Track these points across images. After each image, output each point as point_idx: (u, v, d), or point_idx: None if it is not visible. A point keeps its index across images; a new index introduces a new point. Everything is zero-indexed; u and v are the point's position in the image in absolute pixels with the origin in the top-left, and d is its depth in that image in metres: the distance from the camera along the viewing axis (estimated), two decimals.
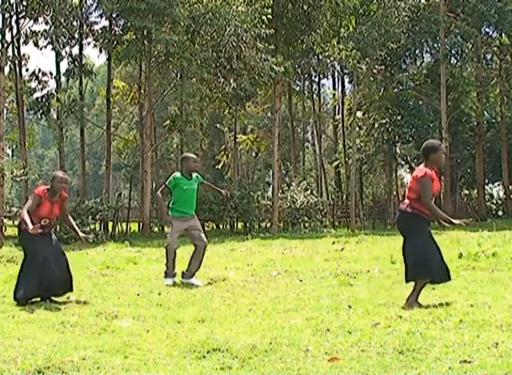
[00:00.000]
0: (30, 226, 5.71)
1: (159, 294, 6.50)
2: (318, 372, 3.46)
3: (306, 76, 33.33)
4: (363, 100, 28.47)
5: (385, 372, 3.41)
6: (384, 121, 28.27)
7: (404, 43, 25.34)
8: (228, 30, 18.51)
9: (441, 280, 5.56)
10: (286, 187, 24.24)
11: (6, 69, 20.07)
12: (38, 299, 6.02)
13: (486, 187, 32.26)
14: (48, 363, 3.59)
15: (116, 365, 3.61)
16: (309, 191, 24.45)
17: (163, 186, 7.71)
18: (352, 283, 7.02)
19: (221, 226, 23.55)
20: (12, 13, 19.03)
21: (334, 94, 36.85)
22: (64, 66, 23.18)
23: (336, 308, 5.34)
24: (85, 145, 24.75)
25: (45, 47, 20.71)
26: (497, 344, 3.84)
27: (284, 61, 19.86)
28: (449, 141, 25.14)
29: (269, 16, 19.17)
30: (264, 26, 19.01)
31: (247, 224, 21.77)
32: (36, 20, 19.40)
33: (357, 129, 27.45)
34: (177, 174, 7.51)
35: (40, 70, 21.45)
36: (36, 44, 20.18)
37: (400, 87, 28.36)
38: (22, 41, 20.39)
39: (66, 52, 22.07)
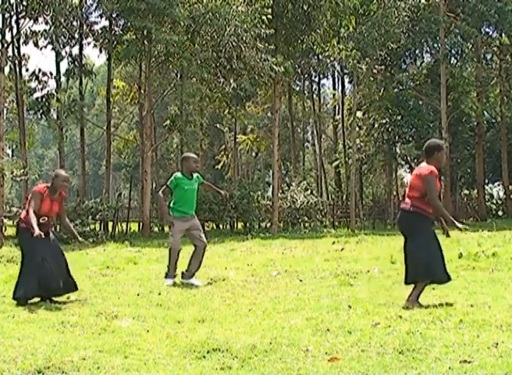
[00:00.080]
0: (36, 230, 5.67)
1: (159, 294, 6.50)
2: (318, 372, 3.46)
3: (306, 76, 33.32)
4: (363, 100, 28.47)
5: (385, 372, 3.41)
6: (384, 121, 28.27)
7: (404, 43, 25.33)
8: (228, 30, 18.51)
9: (441, 280, 5.55)
10: (286, 187, 24.24)
11: (6, 69, 20.08)
12: (38, 299, 6.02)
13: (486, 187, 32.26)
14: (48, 363, 3.59)
15: (116, 365, 3.61)
16: (309, 191, 24.46)
17: (164, 186, 7.71)
18: (352, 283, 7.02)
19: (221, 226, 23.56)
20: (12, 13, 19.05)
21: (334, 94, 36.85)
22: (64, 66, 23.23)
23: (336, 308, 5.34)
24: (85, 145, 24.75)
25: (45, 47, 20.74)
26: (497, 344, 3.84)
27: (284, 61, 19.87)
28: (449, 141, 25.12)
29: (269, 16, 19.17)
30: (264, 26, 19.02)
31: (247, 224, 21.77)
32: (36, 20, 19.41)
33: (357, 129, 27.45)
34: (178, 174, 7.52)
35: (40, 70, 21.46)
36: (36, 44, 20.18)
37: (400, 87, 28.36)
38: (22, 41, 20.39)
39: (66, 52, 22.11)
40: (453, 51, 27.45)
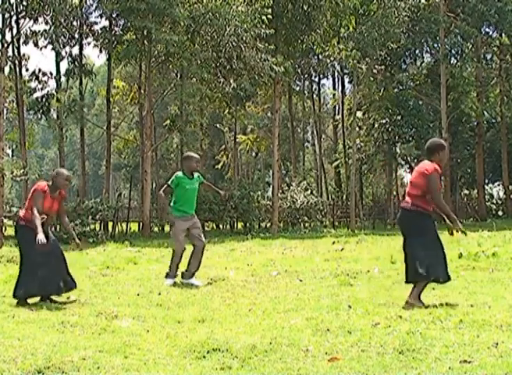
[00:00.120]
0: (41, 235, 5.65)
1: (159, 294, 6.50)
2: (318, 372, 3.46)
3: (306, 76, 33.32)
4: (363, 100, 28.46)
5: (385, 372, 3.41)
6: (384, 121, 28.27)
7: (404, 43, 25.33)
8: (228, 30, 18.51)
9: (442, 280, 5.54)
10: (286, 187, 24.24)
11: (6, 69, 20.08)
12: (38, 299, 6.02)
13: (486, 187, 32.26)
14: (48, 363, 3.59)
15: (116, 365, 3.61)
16: (309, 191, 24.46)
17: (165, 185, 7.72)
18: (352, 283, 7.02)
19: (221, 226, 23.56)
20: (12, 13, 19.05)
21: (334, 94, 36.85)
22: (64, 66, 23.24)
23: (336, 308, 5.34)
24: (85, 145, 24.76)
25: (45, 47, 20.74)
26: (497, 344, 3.84)
27: (284, 61, 19.87)
28: (449, 141, 25.11)
29: (269, 16, 19.18)
30: (264, 26, 19.02)
31: (247, 224, 21.78)
32: (36, 20, 19.41)
33: (357, 129, 27.45)
34: (179, 173, 7.53)
35: (40, 70, 21.47)
36: (36, 44, 20.18)
37: (400, 87, 28.36)
38: (22, 41, 20.39)
39: (66, 52, 22.12)
40: (453, 51, 27.46)
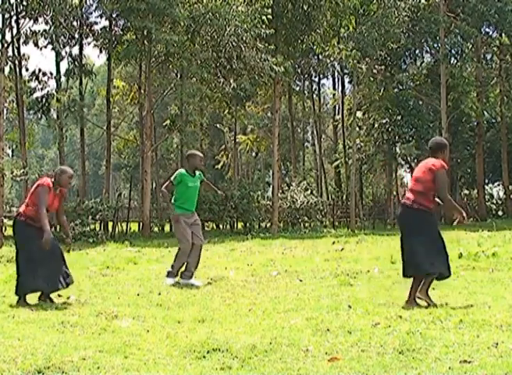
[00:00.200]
0: (47, 234, 5.64)
1: (159, 294, 6.50)
2: (318, 372, 3.46)
3: (306, 76, 33.30)
4: (363, 100, 28.46)
5: (385, 372, 3.41)
6: (384, 121, 28.27)
7: (404, 43, 25.32)
8: (228, 30, 18.51)
9: (446, 275, 5.52)
10: (286, 187, 24.24)
11: (6, 69, 20.08)
12: (37, 300, 6.02)
13: (486, 187, 32.25)
14: (48, 363, 3.59)
15: (116, 365, 3.61)
16: (309, 191, 24.45)
17: (168, 181, 7.73)
18: (352, 283, 7.02)
19: (221, 226, 23.56)
20: (12, 13, 19.05)
21: (334, 94, 36.84)
22: (64, 66, 23.25)
23: (336, 308, 5.34)
24: (85, 145, 24.76)
25: (45, 47, 20.74)
26: (497, 344, 3.84)
27: (284, 61, 19.86)
28: (449, 141, 25.07)
29: (269, 16, 19.17)
30: (264, 26, 19.01)
31: (247, 224, 21.78)
32: (36, 20, 19.41)
33: (357, 129, 27.44)
34: (182, 171, 7.54)
35: (40, 70, 21.47)
36: (36, 44, 20.17)
37: (400, 87, 28.35)
38: (22, 41, 20.39)
39: (66, 52, 22.13)
40: (453, 51, 27.43)
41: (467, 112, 25.97)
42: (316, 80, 35.89)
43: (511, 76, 27.01)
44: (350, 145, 26.93)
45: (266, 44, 19.47)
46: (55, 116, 22.12)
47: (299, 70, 29.58)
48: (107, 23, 21.66)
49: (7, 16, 18.85)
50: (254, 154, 41.07)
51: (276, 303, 5.80)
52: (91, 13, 22.65)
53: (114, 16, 21.08)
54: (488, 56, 29.24)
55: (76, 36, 21.91)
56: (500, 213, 29.75)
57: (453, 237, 13.16)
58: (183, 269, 7.45)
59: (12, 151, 34.20)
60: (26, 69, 21.63)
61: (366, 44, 21.93)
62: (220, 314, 5.26)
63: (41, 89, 21.44)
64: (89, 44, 22.59)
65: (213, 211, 20.43)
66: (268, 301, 5.91)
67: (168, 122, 21.72)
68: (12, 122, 26.41)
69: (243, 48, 18.94)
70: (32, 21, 19.46)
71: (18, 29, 19.70)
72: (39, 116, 22.12)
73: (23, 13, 18.98)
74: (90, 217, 18.08)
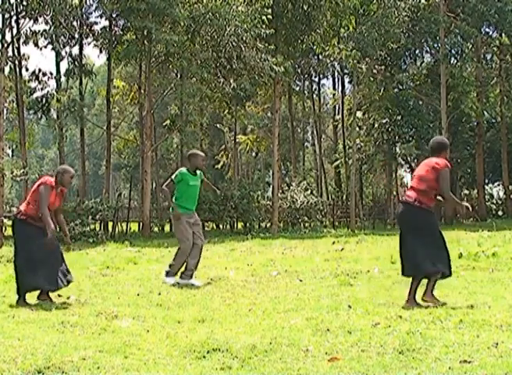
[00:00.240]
0: (52, 231, 5.65)
1: (159, 294, 6.50)
2: (318, 372, 3.46)
3: (306, 76, 33.30)
4: (363, 100, 28.46)
5: (385, 372, 3.41)
6: (384, 121, 28.27)
7: (404, 43, 25.32)
8: (228, 30, 18.51)
9: (447, 274, 5.51)
10: (286, 187, 24.24)
11: (6, 69, 20.07)
12: (38, 299, 6.02)
13: (486, 187, 32.25)
14: (48, 363, 3.59)
15: (116, 365, 3.61)
16: (309, 191, 24.45)
17: (169, 180, 7.71)
18: (352, 283, 7.02)
19: (221, 226, 23.56)
20: (12, 13, 19.03)
21: (334, 94, 36.83)
22: (64, 66, 23.24)
23: (335, 308, 5.34)
24: (85, 145, 24.75)
25: (45, 47, 20.74)
26: (497, 344, 3.84)
27: (284, 61, 19.86)
28: (449, 141, 25.09)
29: (269, 16, 19.17)
30: (264, 26, 19.01)
31: (247, 224, 21.77)
32: (36, 20, 19.40)
33: (357, 129, 27.44)
34: (184, 170, 7.55)
35: (40, 70, 21.46)
36: (36, 44, 20.18)
37: (400, 87, 28.35)
38: (22, 41, 20.38)
39: (66, 52, 22.12)
40: (453, 51, 27.43)
41: (467, 112, 25.96)
42: (316, 80, 35.92)
43: (511, 76, 27.01)
44: (350, 145, 26.93)
45: (266, 44, 19.47)
46: (55, 116, 22.11)
47: (299, 70, 29.58)
48: (107, 23, 21.67)
49: (7, 16, 18.85)
50: (254, 154, 41.06)
51: (276, 303, 5.80)
52: (91, 13, 22.69)
53: (114, 16, 21.08)
54: (488, 56, 29.24)
55: (76, 36, 21.90)
56: (500, 213, 29.77)
57: (453, 237, 13.16)
58: (183, 269, 7.45)
59: (12, 151, 34.18)
60: (26, 69, 21.64)
61: (366, 44, 21.93)
62: (220, 314, 5.26)
63: (41, 89, 21.46)
64: (89, 44, 22.61)
65: (213, 211, 20.43)
66: (268, 301, 5.91)
67: (168, 122, 21.72)
68: (12, 122, 26.40)
69: (243, 48, 18.94)
70: (32, 21, 19.45)
71: (18, 29, 19.69)
72: (39, 116, 22.11)
73: (23, 13, 18.97)
74: (90, 217, 18.07)
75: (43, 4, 18.13)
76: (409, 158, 31.08)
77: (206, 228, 21.83)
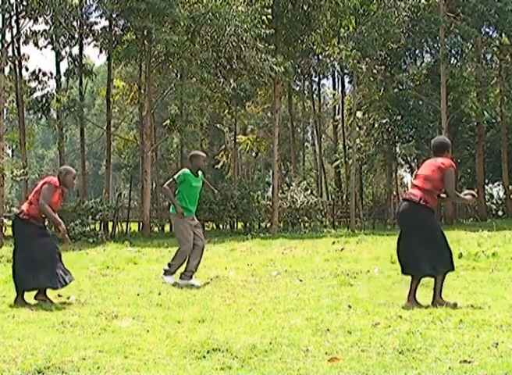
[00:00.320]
0: (62, 224, 5.65)
1: (159, 294, 6.50)
2: (318, 372, 3.46)
3: (306, 76, 33.30)
4: (363, 100, 28.46)
5: (385, 372, 3.41)
6: (384, 121, 28.28)
7: (404, 43, 25.33)
8: (228, 30, 18.51)
9: (448, 270, 5.49)
10: (286, 187, 24.24)
11: (6, 69, 20.07)
12: (35, 299, 6.02)
13: (486, 187, 32.26)
14: (48, 363, 3.59)
15: (116, 365, 3.61)
16: (309, 191, 24.46)
17: (170, 179, 7.66)
18: (352, 283, 7.02)
19: (221, 226, 23.56)
20: (12, 13, 19.03)
21: (334, 94, 36.84)
22: (64, 66, 23.24)
23: (336, 308, 5.34)
24: (85, 145, 24.75)
25: (45, 47, 20.75)
26: (497, 344, 3.84)
27: (284, 61, 19.86)
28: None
29: (269, 16, 19.17)
30: (264, 26, 19.02)
31: (247, 224, 21.77)
32: (36, 20, 19.39)
33: (357, 129, 27.44)
34: (186, 170, 7.53)
35: (40, 70, 21.46)
36: (36, 44, 20.18)
37: (400, 87, 28.35)
38: (22, 41, 20.38)
39: (66, 52, 22.13)
40: (453, 51, 27.43)
41: (467, 112, 25.97)
42: (316, 80, 35.92)
43: (511, 76, 27.01)
44: (350, 145, 26.94)
45: (266, 44, 19.47)
46: (55, 116, 22.11)
47: (299, 70, 29.58)
48: (107, 23, 21.67)
49: (7, 16, 18.84)
50: (254, 154, 41.06)
51: (276, 303, 5.80)
52: (91, 13, 22.70)
53: (114, 16, 21.08)
54: (488, 56, 29.24)
55: (76, 36, 21.91)
56: (500, 213, 29.77)
57: (453, 237, 13.15)
58: (183, 269, 7.45)
59: (12, 151, 34.18)
60: (26, 69, 21.64)
61: (366, 44, 21.94)
62: (220, 314, 5.26)
63: (41, 89, 21.47)
64: (89, 44, 22.62)
65: (213, 211, 20.42)
66: (268, 301, 5.91)
67: (168, 122, 21.72)
68: (12, 122, 26.40)
69: (243, 48, 18.94)
70: (32, 21, 19.45)
71: (18, 29, 19.69)
72: (39, 116, 22.12)
73: (23, 13, 18.96)
74: (90, 217, 18.07)
75: (43, 4, 18.13)
76: (409, 158, 31.09)
77: (206, 228, 21.84)
